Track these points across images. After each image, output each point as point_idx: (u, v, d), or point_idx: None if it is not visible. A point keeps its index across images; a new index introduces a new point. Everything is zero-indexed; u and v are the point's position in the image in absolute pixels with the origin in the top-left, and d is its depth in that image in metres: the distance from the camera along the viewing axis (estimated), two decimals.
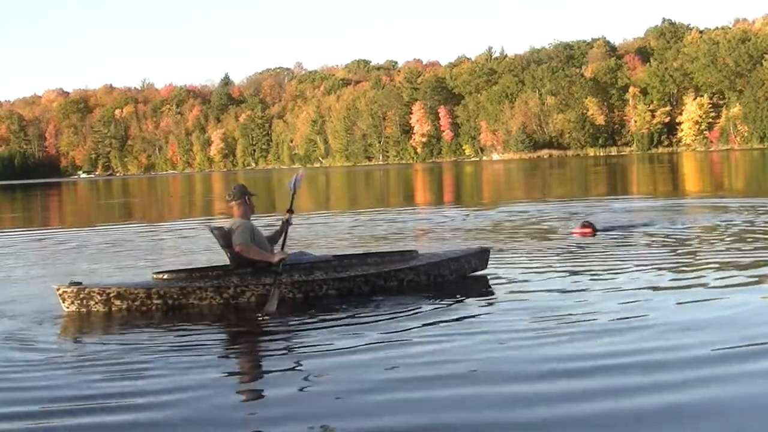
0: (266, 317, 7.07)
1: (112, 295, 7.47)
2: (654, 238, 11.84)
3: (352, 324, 6.83)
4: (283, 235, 8.14)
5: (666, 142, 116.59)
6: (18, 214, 30.31)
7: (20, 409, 4.80)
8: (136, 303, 7.49)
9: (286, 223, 8.10)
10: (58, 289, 7.50)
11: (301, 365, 5.69)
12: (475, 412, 4.55)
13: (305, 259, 8.06)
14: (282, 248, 8.02)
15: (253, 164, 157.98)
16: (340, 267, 7.96)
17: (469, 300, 7.75)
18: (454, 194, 32.26)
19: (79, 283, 7.58)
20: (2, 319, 7.35)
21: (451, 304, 7.56)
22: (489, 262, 8.96)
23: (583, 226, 12.37)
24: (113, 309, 7.47)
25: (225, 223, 8.00)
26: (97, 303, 7.46)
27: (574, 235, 12.28)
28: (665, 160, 67.73)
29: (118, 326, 7.09)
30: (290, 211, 8.16)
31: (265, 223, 14.21)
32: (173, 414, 4.65)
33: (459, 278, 8.54)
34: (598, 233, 12.22)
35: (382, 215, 19.08)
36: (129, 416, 4.64)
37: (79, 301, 7.45)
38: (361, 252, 9.53)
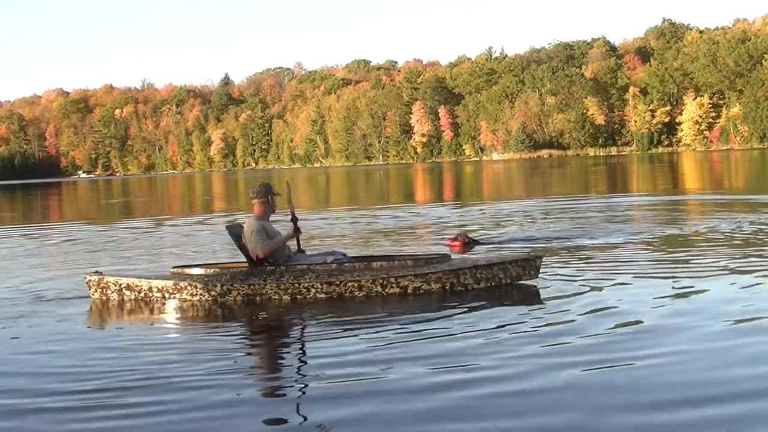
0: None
1: (123, 286, 8.09)
2: (658, 240, 11.77)
3: (385, 347, 5.73)
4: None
5: (666, 142, 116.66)
6: (17, 213, 30.35)
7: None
8: (140, 295, 8.02)
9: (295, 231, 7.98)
10: (86, 278, 8.29)
11: (334, 400, 4.61)
12: None
13: (327, 258, 7.94)
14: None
15: (253, 164, 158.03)
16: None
17: (521, 313, 6.68)
18: (453, 193, 32.29)
19: (100, 273, 8.28)
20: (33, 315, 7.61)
21: (505, 319, 6.45)
22: (540, 271, 8.11)
23: (454, 239, 11.80)
24: (125, 299, 8.04)
25: (243, 222, 8.09)
26: (112, 292, 8.12)
27: (447, 245, 11.64)
28: (665, 160, 67.72)
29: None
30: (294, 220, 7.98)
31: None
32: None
33: (493, 287, 7.78)
34: (470, 246, 11.47)
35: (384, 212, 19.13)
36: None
37: (100, 290, 8.16)
38: (381, 254, 9.17)
